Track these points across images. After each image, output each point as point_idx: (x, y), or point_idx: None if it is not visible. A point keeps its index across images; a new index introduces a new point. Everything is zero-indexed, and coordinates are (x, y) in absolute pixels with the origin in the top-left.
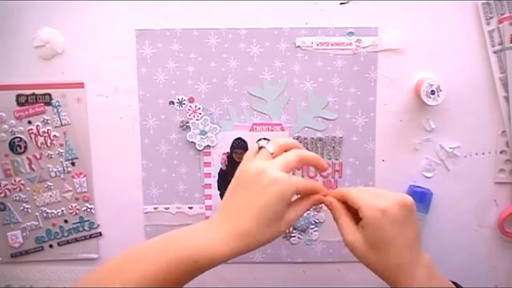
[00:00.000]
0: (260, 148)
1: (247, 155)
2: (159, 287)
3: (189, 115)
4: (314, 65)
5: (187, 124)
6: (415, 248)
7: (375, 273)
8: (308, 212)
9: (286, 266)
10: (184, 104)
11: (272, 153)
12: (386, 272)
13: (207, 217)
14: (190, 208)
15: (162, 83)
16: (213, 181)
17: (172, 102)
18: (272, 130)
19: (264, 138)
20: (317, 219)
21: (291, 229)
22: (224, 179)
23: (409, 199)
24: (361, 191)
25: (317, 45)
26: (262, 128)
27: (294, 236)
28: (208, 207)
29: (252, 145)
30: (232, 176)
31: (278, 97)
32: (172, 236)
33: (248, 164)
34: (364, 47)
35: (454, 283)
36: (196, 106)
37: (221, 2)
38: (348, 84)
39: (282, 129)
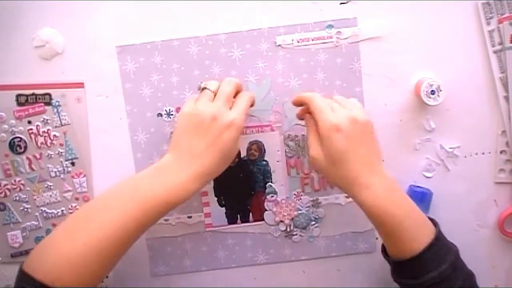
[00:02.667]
0: (202, 89)
1: (190, 98)
2: (129, 231)
3: None
4: (297, 62)
5: None
6: (374, 164)
7: (336, 186)
8: (308, 209)
9: (287, 265)
10: (172, 115)
11: (213, 92)
12: (344, 184)
13: (207, 225)
14: (189, 217)
15: (148, 97)
16: (209, 187)
17: (160, 114)
18: (262, 132)
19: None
20: (317, 215)
21: (292, 227)
22: (220, 184)
23: (361, 116)
24: (322, 102)
25: (298, 41)
26: (252, 130)
27: (296, 234)
28: (207, 215)
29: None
30: (228, 180)
31: (264, 98)
32: (136, 182)
33: (196, 107)
34: (345, 39)
35: (431, 219)
36: None
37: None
38: (333, 77)
39: (272, 130)
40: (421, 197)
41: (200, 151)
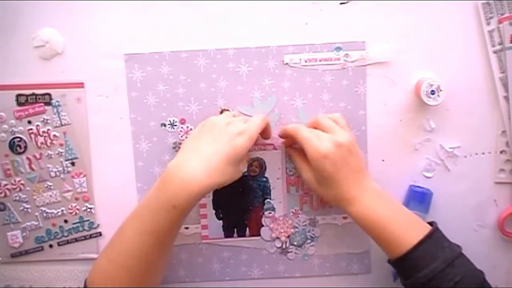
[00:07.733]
0: (222, 111)
1: (210, 118)
2: (156, 239)
3: (181, 136)
4: (303, 82)
5: (180, 146)
6: (357, 178)
7: (330, 202)
8: (304, 227)
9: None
10: (175, 125)
11: (233, 115)
12: (334, 201)
13: (203, 237)
14: (186, 228)
15: (153, 106)
16: (208, 200)
17: (163, 124)
18: (265, 149)
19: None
20: (313, 234)
21: (287, 244)
22: (219, 197)
23: (344, 138)
24: (306, 133)
25: (305, 61)
26: (255, 148)
27: (291, 252)
28: (204, 226)
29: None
30: (227, 194)
31: (269, 115)
32: (148, 201)
33: (214, 118)
34: (352, 61)
35: (431, 222)
36: (187, 127)
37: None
38: (338, 99)
39: (275, 148)
40: (421, 197)
41: (210, 153)
